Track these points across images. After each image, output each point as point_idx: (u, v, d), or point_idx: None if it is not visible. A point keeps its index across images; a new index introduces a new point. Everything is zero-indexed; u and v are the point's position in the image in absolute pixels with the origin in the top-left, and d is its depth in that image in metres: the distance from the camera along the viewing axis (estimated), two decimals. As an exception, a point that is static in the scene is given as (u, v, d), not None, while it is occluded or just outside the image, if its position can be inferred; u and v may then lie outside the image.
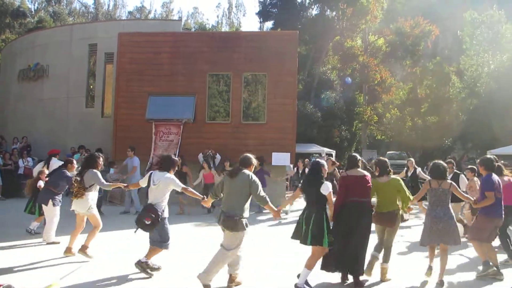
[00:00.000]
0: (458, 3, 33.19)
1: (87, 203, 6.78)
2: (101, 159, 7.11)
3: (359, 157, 6.01)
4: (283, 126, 14.36)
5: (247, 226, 5.34)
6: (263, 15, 38.19)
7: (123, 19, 53.00)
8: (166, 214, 6.03)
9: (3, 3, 46.74)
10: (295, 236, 5.53)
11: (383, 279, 5.92)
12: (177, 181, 6.10)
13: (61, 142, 16.64)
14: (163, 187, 5.96)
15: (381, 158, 6.42)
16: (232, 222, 5.22)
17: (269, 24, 41.07)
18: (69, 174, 7.72)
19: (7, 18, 45.82)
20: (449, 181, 6.05)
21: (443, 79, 26.58)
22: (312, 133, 24.74)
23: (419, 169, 11.83)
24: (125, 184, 7.33)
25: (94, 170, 6.85)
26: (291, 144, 14.38)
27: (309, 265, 5.37)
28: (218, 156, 13.37)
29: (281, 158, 13.22)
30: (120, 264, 6.47)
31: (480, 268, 6.25)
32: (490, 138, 21.19)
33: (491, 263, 6.12)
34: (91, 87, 18.72)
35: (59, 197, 7.76)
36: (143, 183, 6.23)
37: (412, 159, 12.70)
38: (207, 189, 11.71)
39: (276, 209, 5.65)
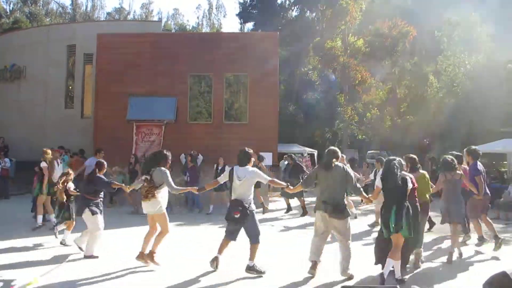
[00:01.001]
0: (434, 5, 33.81)
1: (158, 202, 6.30)
2: (170, 156, 6.65)
3: (402, 161, 5.94)
4: (265, 126, 14.41)
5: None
6: (244, 16, 38.32)
7: (102, 20, 52.36)
8: (254, 207, 6.12)
9: (-23, 3, 45.70)
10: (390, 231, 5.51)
11: (416, 264, 6.34)
12: (262, 173, 6.30)
13: (40, 143, 16.22)
14: (250, 181, 6.07)
15: (411, 155, 6.86)
16: (340, 211, 5.68)
17: (249, 25, 41.22)
18: (104, 177, 7.23)
19: (-19, 19, 44.81)
20: (459, 172, 7.00)
21: (421, 79, 27.07)
22: (294, 133, 24.90)
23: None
24: (196, 188, 6.90)
25: (163, 169, 6.39)
26: (273, 144, 14.44)
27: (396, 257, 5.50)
28: (200, 157, 13.31)
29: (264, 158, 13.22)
30: (106, 262, 6.41)
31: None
32: (467, 136, 21.64)
33: (485, 237, 7.46)
34: (70, 88, 18.45)
35: (98, 205, 7.08)
36: (223, 179, 6.31)
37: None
38: None
39: (367, 196, 6.25)
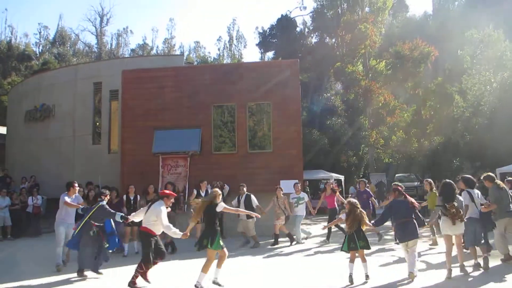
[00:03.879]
0: (454, 25, 33.59)
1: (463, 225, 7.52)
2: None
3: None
4: (289, 153, 14.32)
5: None
6: (264, 45, 38.89)
7: (126, 56, 54.04)
8: None
9: (9, 47, 47.90)
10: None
11: None
12: None
13: (69, 179, 16.59)
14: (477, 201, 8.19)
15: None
16: None
17: (270, 54, 41.74)
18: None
19: (13, 62, 46.98)
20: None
21: (446, 100, 26.56)
22: (319, 159, 24.65)
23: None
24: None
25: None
26: (299, 171, 14.29)
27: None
28: (226, 187, 13.25)
29: (289, 186, 13.06)
30: None
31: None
32: (498, 156, 20.91)
33: None
34: (97, 124, 18.88)
35: None
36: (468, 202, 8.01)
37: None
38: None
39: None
